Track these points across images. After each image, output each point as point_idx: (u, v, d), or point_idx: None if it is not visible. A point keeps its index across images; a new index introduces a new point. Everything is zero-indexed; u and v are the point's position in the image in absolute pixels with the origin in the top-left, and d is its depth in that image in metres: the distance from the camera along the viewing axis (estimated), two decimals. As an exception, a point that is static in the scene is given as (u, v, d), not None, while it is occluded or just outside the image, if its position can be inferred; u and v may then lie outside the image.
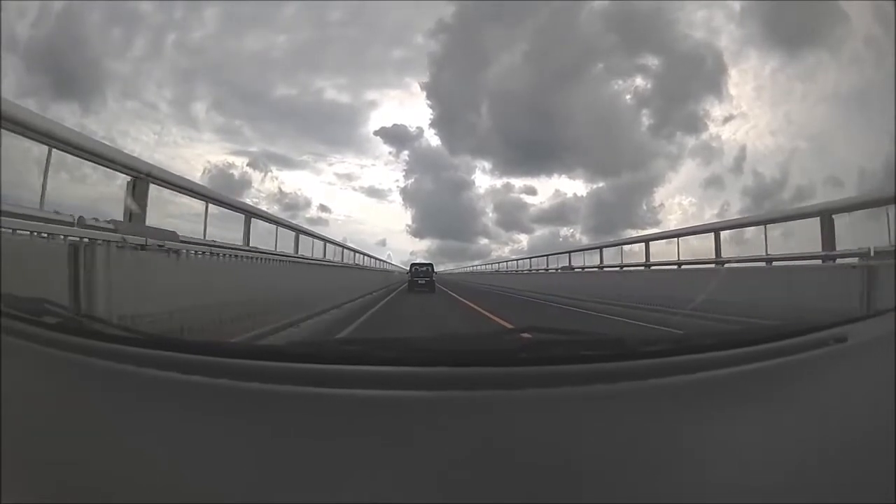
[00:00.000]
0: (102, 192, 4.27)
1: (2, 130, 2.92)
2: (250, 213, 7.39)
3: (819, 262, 6.44)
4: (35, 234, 2.81)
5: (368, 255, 20.56)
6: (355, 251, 16.71)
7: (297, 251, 9.79)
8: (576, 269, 15.53)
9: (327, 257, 12.42)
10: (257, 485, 0.48)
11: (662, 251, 10.74)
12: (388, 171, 39.52)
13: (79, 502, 0.47)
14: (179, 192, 5.37)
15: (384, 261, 26.39)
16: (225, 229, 6.69)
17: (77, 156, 3.77)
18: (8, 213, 2.77)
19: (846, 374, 0.78)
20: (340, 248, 14.87)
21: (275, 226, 8.61)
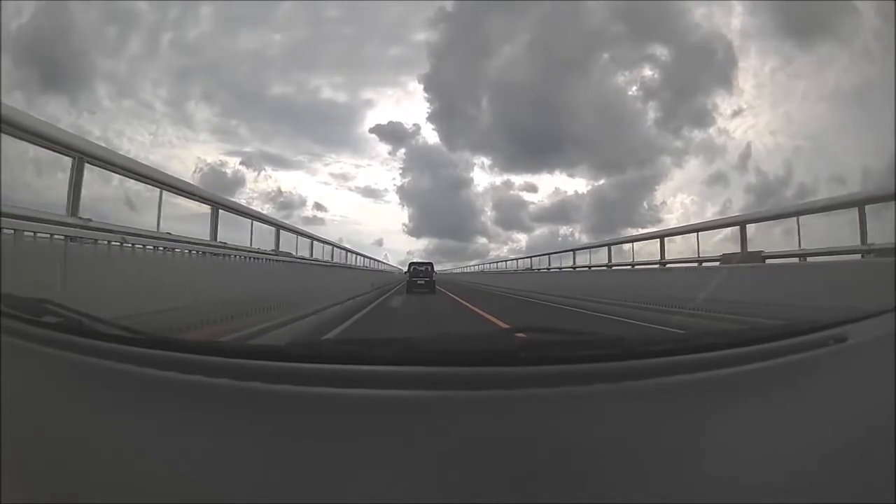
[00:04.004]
0: (102, 192, 4.27)
1: (1, 132, 2.92)
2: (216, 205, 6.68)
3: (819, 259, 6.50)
4: (35, 234, 2.81)
5: (357, 253, 19.11)
6: (336, 246, 14.95)
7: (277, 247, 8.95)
8: (580, 269, 15.48)
9: (301, 254, 10.94)
10: (257, 485, 0.48)
11: (671, 248, 10.85)
12: (384, 170, 39.57)
13: (79, 502, 0.47)
14: (175, 193, 5.36)
15: (380, 261, 25.95)
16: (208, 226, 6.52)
17: (74, 157, 3.76)
18: (8, 213, 2.77)
19: (846, 374, 0.77)
20: (324, 245, 13.19)
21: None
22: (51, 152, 3.57)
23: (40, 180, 4.03)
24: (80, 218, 3.59)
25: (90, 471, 0.51)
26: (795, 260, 6.84)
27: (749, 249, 7.64)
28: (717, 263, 8.20)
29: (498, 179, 42.77)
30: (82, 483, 0.49)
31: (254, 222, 8.06)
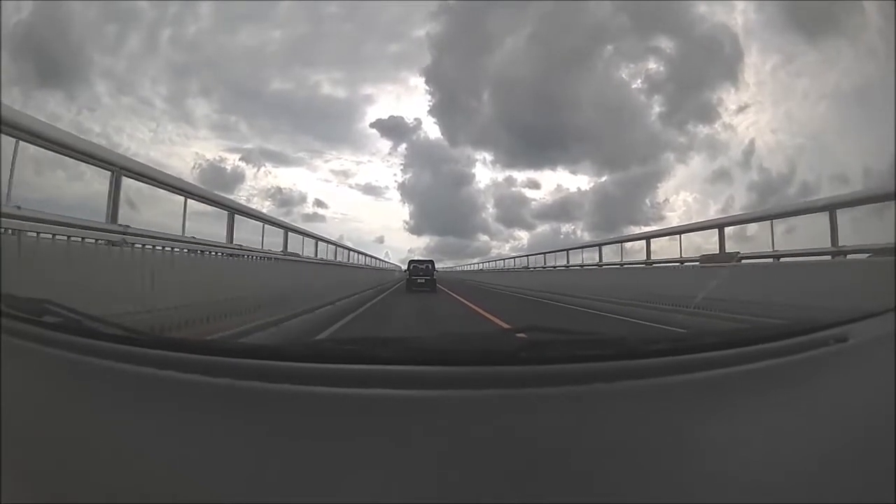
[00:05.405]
0: (101, 191, 4.27)
1: (1, 133, 2.92)
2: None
3: (819, 258, 6.50)
4: (35, 234, 2.81)
5: (349, 248, 17.39)
6: (323, 240, 13.09)
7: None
8: (587, 267, 14.82)
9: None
10: (255, 484, 0.48)
11: (673, 247, 10.69)
12: (384, 167, 39.11)
13: (79, 502, 0.47)
14: (165, 189, 5.30)
15: (379, 258, 25.56)
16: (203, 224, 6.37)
17: (68, 155, 3.76)
18: (8, 213, 2.78)
19: (846, 374, 0.77)
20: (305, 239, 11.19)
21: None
22: (50, 152, 3.57)
23: (40, 179, 4.03)
24: (81, 219, 3.60)
25: (90, 470, 0.51)
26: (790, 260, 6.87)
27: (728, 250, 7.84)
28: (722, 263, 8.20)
29: (500, 176, 42.51)
30: (82, 483, 0.49)
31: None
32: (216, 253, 5.39)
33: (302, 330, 5.21)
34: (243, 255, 6.20)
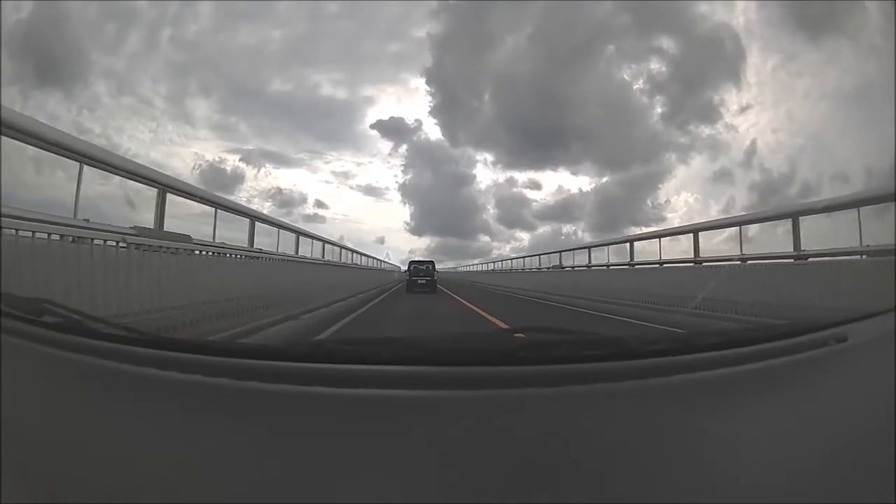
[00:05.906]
0: (101, 192, 4.28)
1: (1, 134, 2.92)
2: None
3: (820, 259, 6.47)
4: (35, 234, 2.81)
5: (349, 249, 16.84)
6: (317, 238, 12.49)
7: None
8: (595, 267, 13.58)
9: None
10: (257, 484, 0.48)
11: (675, 247, 10.23)
12: (385, 168, 38.70)
13: (79, 502, 0.47)
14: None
15: (380, 259, 25.44)
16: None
17: (66, 156, 3.76)
18: (8, 213, 2.78)
19: (846, 374, 0.77)
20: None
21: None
22: (49, 153, 3.57)
23: (40, 179, 4.04)
24: (80, 219, 3.61)
25: (90, 470, 0.51)
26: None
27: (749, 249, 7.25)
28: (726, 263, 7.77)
29: (501, 176, 41.95)
30: (82, 483, 0.49)
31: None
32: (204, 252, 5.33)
33: (297, 331, 5.25)
34: (228, 255, 6.13)
